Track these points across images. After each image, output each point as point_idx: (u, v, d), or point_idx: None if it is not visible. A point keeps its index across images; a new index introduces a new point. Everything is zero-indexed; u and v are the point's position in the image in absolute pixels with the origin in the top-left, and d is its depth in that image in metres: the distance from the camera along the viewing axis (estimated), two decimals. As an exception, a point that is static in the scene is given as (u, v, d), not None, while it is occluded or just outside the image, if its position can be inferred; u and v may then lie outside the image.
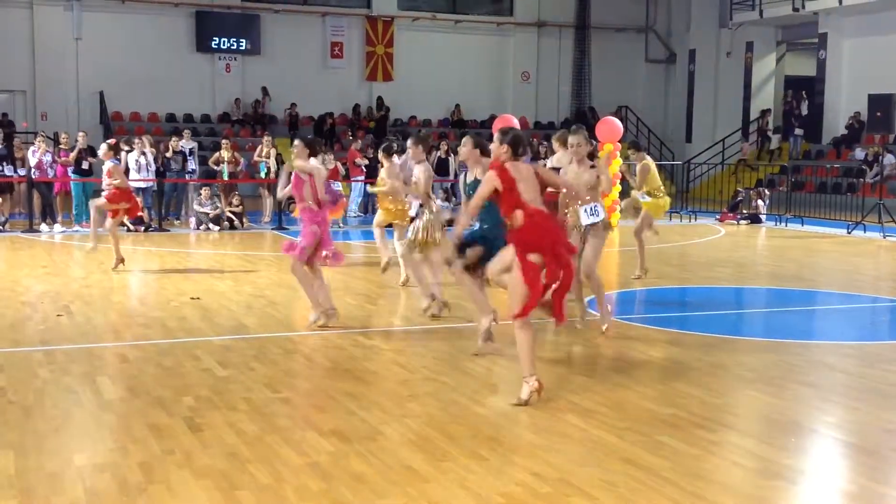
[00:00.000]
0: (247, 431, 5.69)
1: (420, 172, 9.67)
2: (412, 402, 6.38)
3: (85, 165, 17.88)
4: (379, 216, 11.62)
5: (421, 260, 9.63)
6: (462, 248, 7.35)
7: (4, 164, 18.35)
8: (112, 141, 13.31)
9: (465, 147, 7.70)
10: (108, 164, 12.46)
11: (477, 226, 7.33)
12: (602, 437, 5.67)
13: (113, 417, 5.98)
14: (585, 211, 8.38)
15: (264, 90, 28.53)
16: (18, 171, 18.39)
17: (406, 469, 5.09)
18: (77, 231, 17.04)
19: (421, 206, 9.61)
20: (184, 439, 5.53)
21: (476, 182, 7.43)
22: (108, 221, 12.56)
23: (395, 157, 10.96)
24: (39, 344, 8.09)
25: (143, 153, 18.76)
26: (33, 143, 18.43)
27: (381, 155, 11.45)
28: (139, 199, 13.64)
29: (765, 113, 29.88)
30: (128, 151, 17.81)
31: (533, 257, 6.24)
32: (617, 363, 7.73)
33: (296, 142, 9.04)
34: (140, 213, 14.64)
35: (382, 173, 11.24)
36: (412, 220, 9.72)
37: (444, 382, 6.94)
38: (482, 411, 6.24)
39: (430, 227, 9.46)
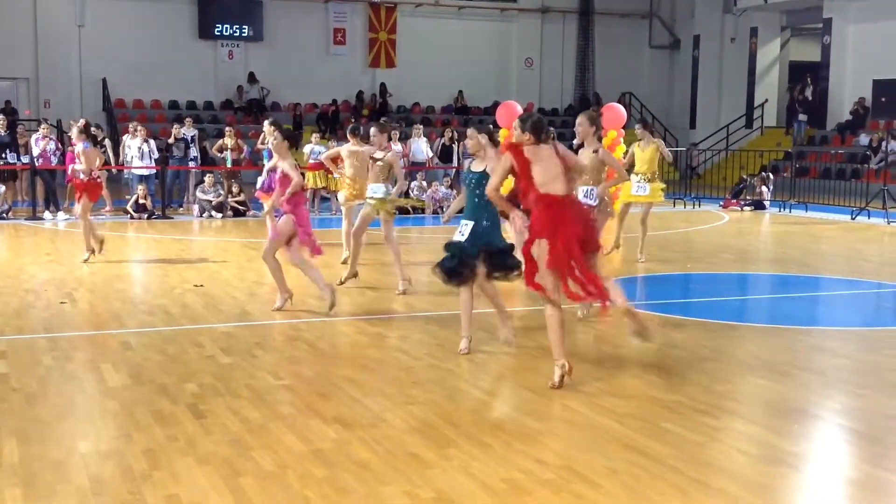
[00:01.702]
0: (250, 418, 5.70)
1: (389, 157, 10.09)
2: (415, 389, 6.38)
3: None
4: (342, 196, 11.85)
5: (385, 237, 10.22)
6: (452, 267, 7.22)
7: (8, 151, 18.34)
8: (83, 123, 12.95)
9: (473, 139, 7.46)
10: (79, 147, 11.97)
11: (468, 229, 7.19)
12: (605, 424, 5.66)
13: (116, 404, 5.99)
14: (582, 191, 8.39)
15: (251, 76, 28.39)
16: (22, 158, 18.37)
17: (409, 456, 5.09)
18: (80, 218, 17.02)
19: (385, 191, 10.07)
20: (187, 426, 5.54)
21: (484, 174, 7.22)
22: (77, 208, 12.16)
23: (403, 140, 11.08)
24: (43, 331, 8.10)
25: (146, 141, 18.78)
26: (37, 131, 18.42)
27: (348, 135, 11.59)
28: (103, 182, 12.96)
29: (792, 88, 29.51)
30: (102, 138, 17.86)
31: (541, 242, 6.24)
32: (620, 350, 7.73)
33: (275, 133, 9.19)
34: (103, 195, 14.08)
35: (343, 151, 11.50)
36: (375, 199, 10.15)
37: (448, 369, 6.94)
38: (485, 398, 6.25)
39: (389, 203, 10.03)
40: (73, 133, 12.33)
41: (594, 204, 8.54)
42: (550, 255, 6.19)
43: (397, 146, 20.82)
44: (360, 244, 10.55)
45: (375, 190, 10.22)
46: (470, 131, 7.60)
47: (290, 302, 9.06)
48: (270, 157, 13.24)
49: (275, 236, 8.96)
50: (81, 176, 11.89)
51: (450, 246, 7.27)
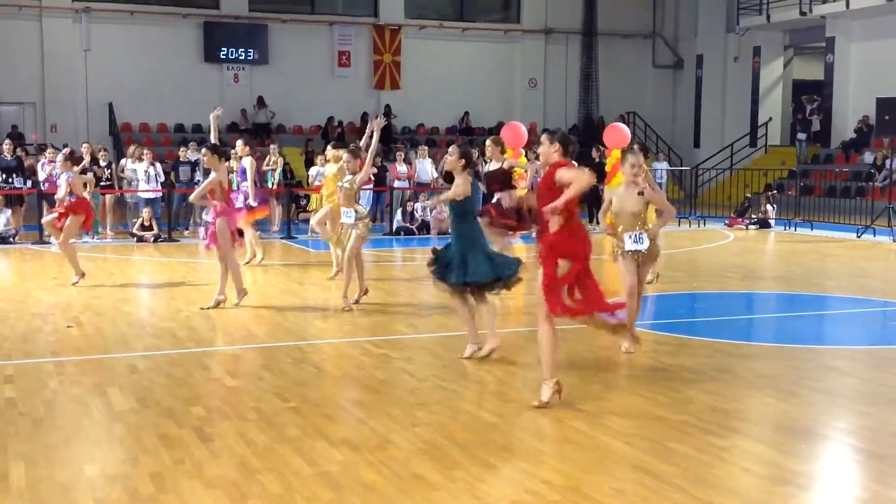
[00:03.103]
0: (257, 441, 5.70)
1: (357, 181, 10.26)
2: (421, 411, 6.38)
3: (90, 176, 18.02)
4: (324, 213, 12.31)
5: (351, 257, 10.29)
6: (440, 266, 7.76)
7: (15, 176, 18.41)
8: (68, 150, 12.93)
9: (454, 155, 7.86)
10: (64, 177, 11.88)
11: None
12: (612, 445, 5.66)
13: (123, 428, 6.00)
14: (630, 237, 7.93)
15: (260, 100, 28.49)
16: (27, 183, 18.44)
17: (416, 478, 5.09)
18: (86, 242, 17.09)
19: (355, 214, 10.26)
20: (194, 449, 5.54)
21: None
22: (59, 236, 12.03)
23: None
24: (50, 355, 8.12)
25: (153, 164, 18.87)
26: (43, 156, 18.50)
27: (337, 152, 11.99)
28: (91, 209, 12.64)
29: (806, 103, 29.27)
30: (91, 162, 18.02)
31: (562, 263, 6.27)
32: (626, 369, 7.72)
33: (203, 150, 10.56)
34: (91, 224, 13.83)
35: (333, 169, 11.94)
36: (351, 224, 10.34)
37: (454, 390, 6.94)
38: (492, 419, 6.24)
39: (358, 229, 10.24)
40: (59, 160, 12.35)
41: (643, 248, 7.96)
42: (569, 273, 6.27)
43: (402, 167, 20.92)
44: (360, 264, 10.61)
45: (346, 214, 10.37)
46: (451, 148, 8.03)
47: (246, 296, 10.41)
48: (251, 176, 13.58)
49: (213, 244, 10.41)
50: (64, 203, 11.89)
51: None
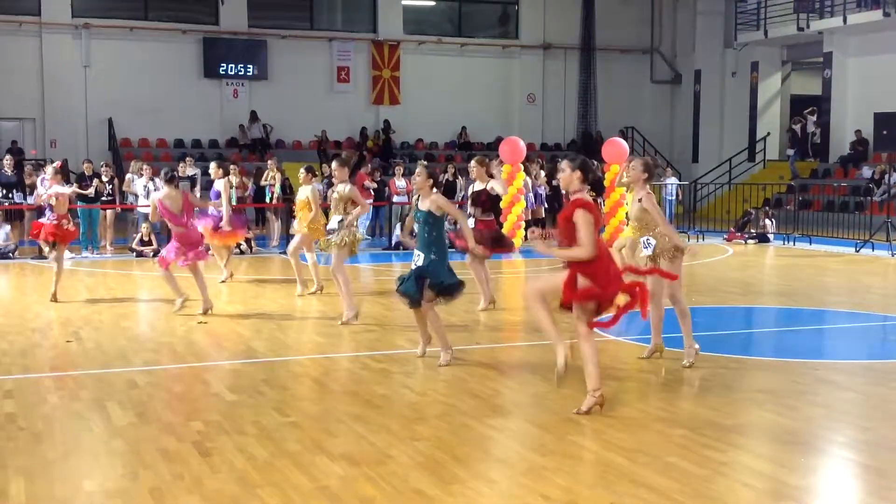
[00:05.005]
0: (256, 456, 5.70)
1: (347, 190, 10.28)
2: (421, 425, 6.38)
3: (90, 192, 18.08)
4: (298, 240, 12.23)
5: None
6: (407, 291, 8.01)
7: (14, 191, 18.44)
8: (59, 164, 12.96)
9: (420, 177, 8.15)
10: (54, 189, 11.95)
11: (421, 260, 7.94)
12: (611, 459, 5.66)
13: (122, 443, 5.99)
14: (642, 243, 8.10)
15: (253, 114, 28.54)
16: (28, 198, 18.47)
17: (415, 492, 5.08)
18: (86, 257, 17.11)
19: (340, 221, 10.25)
20: (193, 464, 5.54)
21: (430, 213, 7.97)
22: (52, 254, 12.12)
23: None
24: (49, 370, 8.12)
25: (152, 179, 18.89)
26: (42, 171, 18.51)
27: (302, 174, 12.11)
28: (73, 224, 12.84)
29: (801, 120, 29.21)
30: (111, 178, 18.11)
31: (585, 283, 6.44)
32: (625, 384, 7.71)
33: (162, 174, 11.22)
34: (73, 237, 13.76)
35: (308, 193, 11.96)
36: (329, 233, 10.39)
37: (453, 405, 6.94)
38: (491, 433, 6.24)
39: (349, 239, 10.22)
40: (49, 173, 12.34)
41: (649, 253, 8.00)
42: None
43: (401, 182, 20.94)
44: (344, 280, 10.30)
45: (333, 221, 10.41)
46: (418, 169, 8.27)
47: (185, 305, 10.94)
48: (226, 199, 13.55)
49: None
50: (50, 219, 11.91)
51: (402, 277, 8.19)
